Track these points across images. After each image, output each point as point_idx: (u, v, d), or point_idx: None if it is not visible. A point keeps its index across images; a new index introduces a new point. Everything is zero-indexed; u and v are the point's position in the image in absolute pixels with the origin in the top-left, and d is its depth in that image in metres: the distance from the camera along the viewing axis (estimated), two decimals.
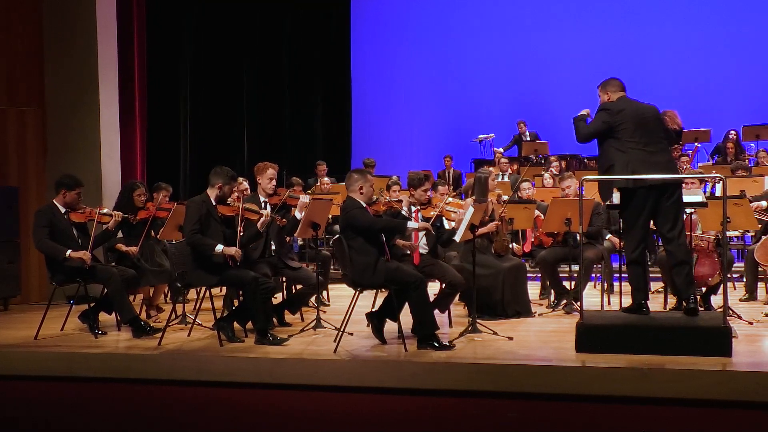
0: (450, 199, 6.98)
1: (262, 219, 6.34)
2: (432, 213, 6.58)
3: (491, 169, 8.86)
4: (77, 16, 9.03)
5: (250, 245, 6.50)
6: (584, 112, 6.06)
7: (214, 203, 6.25)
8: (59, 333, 6.68)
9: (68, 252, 6.37)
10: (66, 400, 5.53)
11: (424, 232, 6.51)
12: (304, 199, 6.69)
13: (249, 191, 7.10)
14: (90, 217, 6.66)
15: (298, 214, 6.64)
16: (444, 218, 6.66)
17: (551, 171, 11.96)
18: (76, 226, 6.65)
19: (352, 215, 5.88)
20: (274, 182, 6.84)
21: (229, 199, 6.42)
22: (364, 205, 6.00)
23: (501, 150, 14.20)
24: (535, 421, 4.91)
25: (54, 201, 6.64)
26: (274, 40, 15.45)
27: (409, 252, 6.44)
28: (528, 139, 14.59)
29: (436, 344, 5.69)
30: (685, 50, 14.71)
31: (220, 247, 6.05)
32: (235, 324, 6.23)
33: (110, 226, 6.69)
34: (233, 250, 6.08)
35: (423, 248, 6.62)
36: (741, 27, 14.96)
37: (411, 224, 6.07)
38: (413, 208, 6.73)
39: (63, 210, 6.61)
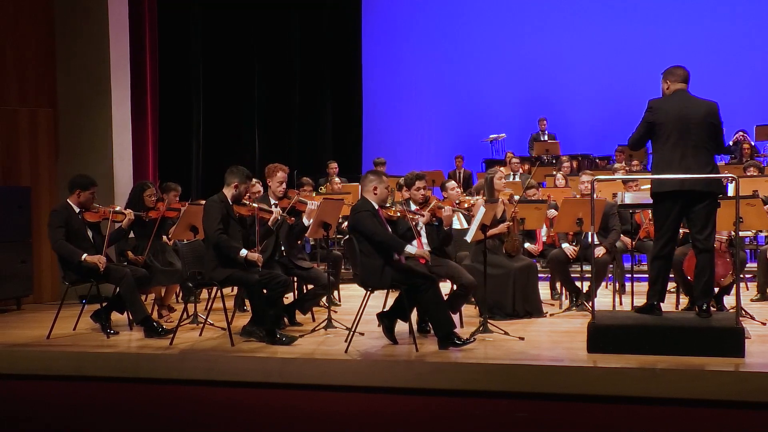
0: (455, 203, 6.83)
1: (272, 217, 6.35)
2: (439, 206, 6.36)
3: (501, 169, 8.82)
4: (89, 15, 9.02)
5: (261, 243, 6.51)
6: None
7: (231, 203, 6.26)
8: (71, 332, 6.71)
9: (83, 256, 6.40)
10: (78, 400, 5.55)
11: (424, 230, 6.45)
12: (312, 206, 6.65)
13: (262, 193, 7.10)
14: (104, 216, 6.70)
15: (306, 221, 6.63)
16: (456, 217, 6.51)
17: (563, 171, 11.91)
18: (89, 226, 6.69)
19: (358, 218, 5.86)
20: (284, 186, 6.82)
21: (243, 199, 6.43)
22: (377, 207, 5.96)
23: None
24: (546, 421, 4.90)
25: (68, 201, 6.66)
26: (284, 40, 15.45)
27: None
28: (545, 138, 14.55)
29: (457, 341, 5.67)
30: (696, 49, 14.62)
31: (244, 252, 6.06)
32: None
33: (124, 225, 6.73)
34: (256, 257, 6.09)
35: (426, 247, 6.54)
36: (753, 25, 14.88)
37: (409, 248, 5.88)
38: (413, 207, 6.60)
39: (77, 210, 6.64)
